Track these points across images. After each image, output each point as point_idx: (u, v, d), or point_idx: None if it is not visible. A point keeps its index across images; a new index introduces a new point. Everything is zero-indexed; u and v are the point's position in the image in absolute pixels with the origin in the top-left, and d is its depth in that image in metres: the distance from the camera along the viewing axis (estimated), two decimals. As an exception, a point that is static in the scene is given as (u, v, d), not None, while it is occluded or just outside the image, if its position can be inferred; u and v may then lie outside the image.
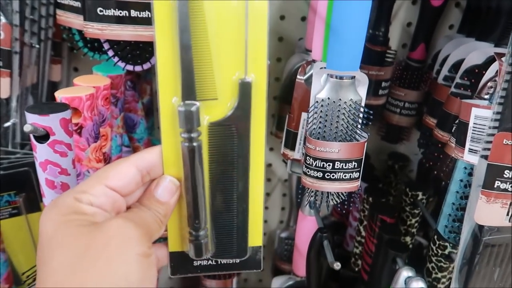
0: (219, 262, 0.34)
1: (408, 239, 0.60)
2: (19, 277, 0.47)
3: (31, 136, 0.34)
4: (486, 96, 0.41)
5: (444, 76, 0.53)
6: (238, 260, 0.33)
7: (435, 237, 0.47)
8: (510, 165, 0.34)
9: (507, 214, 0.35)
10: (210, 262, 0.33)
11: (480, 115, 0.36)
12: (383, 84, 0.57)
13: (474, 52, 0.47)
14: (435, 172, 0.46)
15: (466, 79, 0.47)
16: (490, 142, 0.34)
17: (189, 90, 0.28)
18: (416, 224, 0.60)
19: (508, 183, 0.34)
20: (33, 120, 0.33)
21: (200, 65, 0.28)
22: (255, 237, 0.33)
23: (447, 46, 0.55)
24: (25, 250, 0.47)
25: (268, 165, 0.72)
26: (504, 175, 0.34)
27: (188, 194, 0.30)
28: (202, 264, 0.33)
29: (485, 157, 0.35)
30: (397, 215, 0.59)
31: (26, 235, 0.47)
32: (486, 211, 0.35)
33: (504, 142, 0.33)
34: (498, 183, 0.35)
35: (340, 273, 0.65)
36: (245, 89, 0.29)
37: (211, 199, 0.31)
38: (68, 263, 0.24)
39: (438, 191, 0.58)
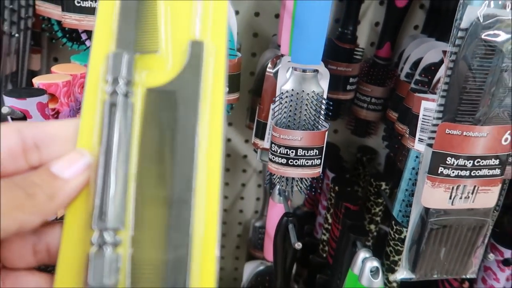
0: None
1: (372, 227, 0.64)
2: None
3: (9, 118, 0.35)
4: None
5: (406, 73, 0.56)
6: None
7: (393, 222, 0.50)
8: (452, 153, 0.37)
9: (450, 198, 0.39)
10: None
11: (428, 107, 0.39)
12: (351, 80, 0.60)
13: (432, 50, 0.51)
14: (393, 160, 0.49)
15: (424, 76, 0.51)
16: (435, 131, 0.37)
17: (125, 36, 0.22)
18: (380, 213, 0.63)
19: (450, 169, 0.38)
20: (11, 103, 0.35)
21: (144, 14, 0.23)
22: (205, 274, 0.21)
23: (410, 45, 0.58)
24: None
25: (244, 156, 0.75)
26: (447, 162, 0.38)
27: (99, 171, 0.20)
28: None
29: (430, 145, 0.38)
30: (362, 204, 0.63)
31: None
32: (431, 195, 0.39)
33: (446, 132, 0.37)
34: (441, 169, 0.38)
35: (309, 260, 0.68)
36: (196, 50, 0.22)
37: (137, 193, 0.21)
38: None
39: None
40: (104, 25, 0.22)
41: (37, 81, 0.39)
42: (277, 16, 0.63)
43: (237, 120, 0.71)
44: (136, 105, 0.22)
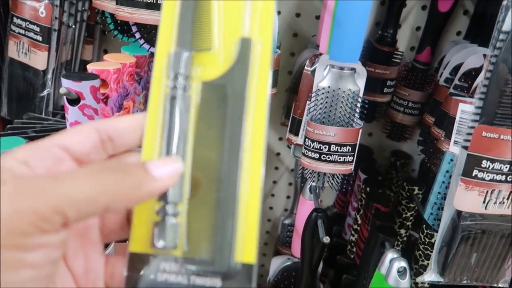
0: (191, 282, 0.23)
1: (402, 231, 0.63)
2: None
3: (65, 98, 0.39)
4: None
5: (445, 78, 0.56)
6: (219, 283, 0.23)
7: (424, 226, 0.50)
8: (488, 156, 0.37)
9: (484, 202, 0.39)
10: (180, 279, 0.23)
11: (466, 109, 0.39)
12: (389, 82, 0.60)
13: (474, 55, 0.50)
14: (428, 165, 0.49)
15: (464, 81, 0.51)
16: (471, 134, 0.37)
17: (184, 36, 0.25)
18: (411, 218, 0.63)
19: (485, 172, 0.38)
20: (68, 85, 0.38)
21: (200, 16, 0.25)
22: (247, 248, 0.24)
23: (452, 51, 0.58)
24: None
25: (277, 154, 0.76)
26: (482, 165, 0.37)
27: (162, 155, 0.24)
28: (168, 280, 0.23)
29: (466, 147, 0.38)
30: (393, 207, 0.63)
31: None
32: (464, 198, 0.39)
33: (483, 134, 0.37)
34: (476, 172, 0.38)
35: (336, 260, 0.69)
36: (245, 47, 0.25)
37: (192, 174, 0.24)
38: None
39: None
40: (167, 26, 0.25)
41: (91, 67, 0.42)
42: (317, 17, 0.64)
43: (271, 117, 0.71)
44: (193, 97, 0.25)
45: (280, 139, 0.74)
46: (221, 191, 0.24)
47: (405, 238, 0.64)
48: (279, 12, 0.64)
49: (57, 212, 0.19)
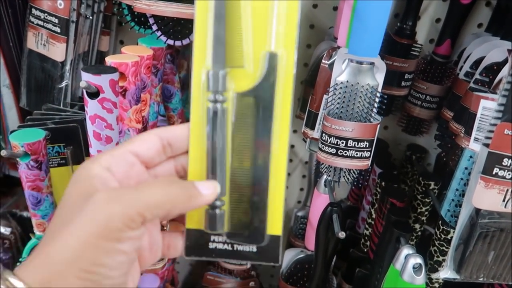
0: (235, 248, 0.31)
1: (417, 226, 0.63)
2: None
3: (84, 92, 0.39)
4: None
5: (465, 72, 0.55)
6: (255, 249, 0.31)
7: (440, 222, 0.50)
8: (509, 154, 0.37)
9: (503, 200, 0.38)
10: (226, 246, 0.31)
11: (488, 106, 0.39)
12: (406, 76, 0.59)
13: (495, 49, 0.49)
14: (445, 160, 0.48)
15: (485, 75, 0.50)
16: (492, 131, 0.37)
17: (218, 56, 0.29)
18: (426, 213, 0.62)
19: (506, 170, 0.37)
20: (87, 78, 0.38)
21: (232, 35, 0.29)
22: (275, 225, 0.31)
23: (472, 44, 0.57)
24: (68, 196, 0.53)
25: (291, 147, 0.76)
26: (503, 163, 0.37)
27: (208, 159, 0.30)
28: (217, 247, 0.31)
29: (487, 145, 0.37)
30: (409, 202, 0.62)
31: (70, 183, 0.53)
32: (484, 196, 0.38)
33: (505, 132, 0.36)
34: (496, 170, 0.37)
35: (349, 253, 0.69)
36: (272, 62, 0.29)
37: (231, 170, 0.30)
38: (53, 228, 0.25)
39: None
40: (200, 41, 0.29)
41: (110, 60, 0.42)
42: (335, 8, 0.63)
43: (287, 110, 0.72)
44: (229, 107, 0.30)
45: (295, 131, 0.74)
46: (254, 184, 0.30)
47: (419, 233, 0.63)
48: (296, 3, 0.63)
49: (139, 214, 0.25)
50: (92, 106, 0.40)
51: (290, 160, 0.78)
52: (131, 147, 0.28)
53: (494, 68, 0.48)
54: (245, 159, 0.30)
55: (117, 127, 0.42)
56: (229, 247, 0.31)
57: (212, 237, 0.31)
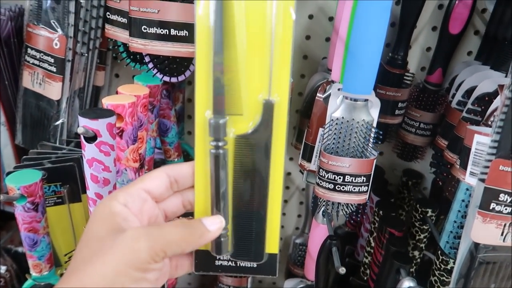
0: (238, 264, 0.36)
1: (416, 253, 0.63)
2: (59, 259, 0.53)
3: (82, 137, 0.39)
4: (491, 123, 0.44)
5: (457, 101, 0.56)
6: (255, 265, 0.36)
7: (439, 252, 0.50)
8: (505, 190, 0.37)
9: (501, 234, 0.38)
10: (230, 263, 0.36)
11: (482, 141, 0.39)
12: (400, 104, 0.60)
13: (486, 80, 0.50)
14: (441, 189, 0.49)
15: (477, 105, 0.50)
16: (488, 167, 0.37)
17: (219, 105, 0.32)
18: (424, 240, 0.62)
19: (503, 205, 0.37)
20: (85, 123, 0.38)
21: (230, 84, 0.32)
22: (272, 244, 0.35)
23: (463, 72, 0.58)
24: (65, 235, 0.53)
25: (287, 174, 0.76)
26: (500, 198, 0.37)
27: (212, 195, 0.33)
28: (223, 264, 0.36)
29: (483, 180, 0.38)
30: (407, 230, 0.62)
31: (67, 222, 0.53)
32: (482, 230, 0.39)
33: (500, 168, 0.37)
34: (493, 205, 0.38)
35: (349, 281, 0.68)
36: (268, 109, 0.32)
37: (233, 203, 0.34)
38: (79, 260, 0.29)
39: (448, 209, 0.60)
40: (202, 85, 0.32)
41: (106, 102, 0.43)
42: (327, 39, 0.64)
43: (283, 138, 0.72)
44: (229, 149, 0.33)
45: (291, 159, 0.75)
46: (253, 212, 0.34)
47: (418, 260, 0.63)
48: (289, 35, 0.64)
49: (162, 250, 0.29)
50: (89, 150, 0.40)
51: (287, 187, 0.78)
52: (143, 185, 0.32)
53: (486, 99, 0.49)
54: (245, 191, 0.34)
55: (115, 168, 0.42)
56: (233, 264, 0.36)
57: (218, 257, 0.36)
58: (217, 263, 0.36)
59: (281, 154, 0.34)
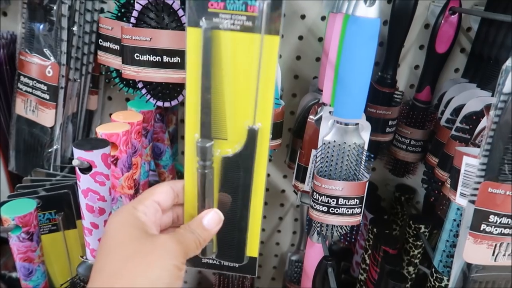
0: (222, 263, 0.40)
1: (411, 269, 0.64)
2: (54, 287, 0.53)
3: (77, 168, 0.39)
4: (480, 143, 0.45)
5: (446, 119, 0.57)
6: (237, 265, 0.40)
7: (433, 270, 0.50)
8: (495, 211, 0.38)
9: (493, 254, 0.39)
10: (215, 261, 0.40)
11: (470, 163, 0.40)
12: (390, 122, 0.61)
13: (473, 99, 0.51)
14: (433, 205, 0.49)
15: (465, 124, 0.51)
16: (477, 189, 0.38)
17: (206, 130, 0.35)
18: (419, 255, 0.63)
19: (493, 226, 0.38)
20: (79, 154, 0.38)
21: (217, 111, 0.34)
22: (252, 249, 0.40)
23: (451, 90, 0.59)
24: (60, 262, 0.53)
25: (282, 191, 0.77)
26: (490, 220, 0.38)
27: (200, 208, 0.37)
28: (209, 262, 0.40)
29: (473, 202, 0.39)
30: (401, 246, 0.63)
31: (62, 249, 0.52)
32: (474, 251, 0.39)
33: (489, 190, 0.37)
34: (484, 226, 0.38)
35: (345, 298, 0.69)
36: (252, 135, 0.35)
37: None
38: (118, 261, 0.31)
39: (442, 224, 0.61)
40: (191, 114, 0.35)
41: (100, 131, 0.43)
42: (317, 59, 0.65)
43: (276, 156, 0.73)
44: (215, 167, 0.36)
45: (285, 176, 0.75)
46: (236, 220, 0.38)
47: (413, 275, 0.64)
48: (280, 56, 0.65)
49: (187, 253, 0.33)
50: (84, 181, 0.40)
51: (282, 205, 0.78)
52: (155, 197, 0.35)
53: (473, 118, 0.50)
54: (229, 203, 0.37)
55: (110, 197, 0.42)
56: (217, 262, 0.40)
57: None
58: (204, 260, 0.40)
59: (263, 173, 0.37)
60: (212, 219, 0.36)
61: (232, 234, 0.38)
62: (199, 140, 0.35)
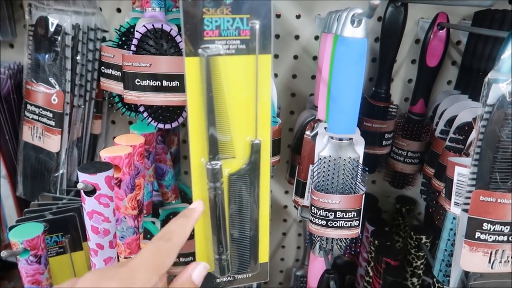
0: (235, 277, 0.42)
1: (415, 280, 0.64)
2: (62, 309, 0.54)
3: (82, 191, 0.41)
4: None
5: (440, 130, 0.58)
6: (250, 274, 0.42)
7: (434, 280, 0.51)
8: (488, 219, 0.39)
9: (489, 262, 0.40)
10: (228, 278, 0.42)
11: (462, 172, 0.41)
12: (386, 135, 0.62)
13: (465, 110, 0.53)
14: (432, 214, 0.50)
15: (458, 134, 0.53)
16: (470, 197, 0.39)
17: (214, 151, 0.37)
18: (421, 266, 0.63)
19: (487, 234, 0.39)
20: (84, 178, 0.40)
21: (222, 132, 0.36)
22: (263, 256, 0.42)
23: (444, 101, 0.60)
24: (68, 285, 0.54)
25: (284, 207, 0.78)
26: (483, 227, 0.39)
27: (213, 229, 0.39)
28: (222, 280, 0.42)
29: (466, 210, 0.40)
30: (403, 257, 0.63)
31: (69, 271, 0.54)
32: (470, 259, 0.40)
33: (481, 199, 0.38)
34: (478, 234, 0.39)
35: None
36: (256, 148, 0.38)
37: (231, 230, 0.40)
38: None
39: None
40: (196, 134, 0.36)
41: (104, 155, 0.45)
42: (313, 77, 0.67)
43: (277, 172, 0.74)
44: (224, 184, 0.38)
45: (286, 192, 0.76)
46: (247, 235, 0.40)
47: (418, 287, 0.64)
48: (276, 75, 0.67)
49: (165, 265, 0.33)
50: (89, 203, 0.41)
51: (285, 220, 0.79)
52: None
53: (466, 128, 0.51)
54: (240, 220, 0.39)
55: (114, 218, 0.44)
56: (231, 278, 0.42)
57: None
58: (218, 280, 0.42)
59: (267, 182, 0.39)
60: (200, 273, 0.36)
61: (245, 247, 0.41)
62: (209, 163, 0.37)
